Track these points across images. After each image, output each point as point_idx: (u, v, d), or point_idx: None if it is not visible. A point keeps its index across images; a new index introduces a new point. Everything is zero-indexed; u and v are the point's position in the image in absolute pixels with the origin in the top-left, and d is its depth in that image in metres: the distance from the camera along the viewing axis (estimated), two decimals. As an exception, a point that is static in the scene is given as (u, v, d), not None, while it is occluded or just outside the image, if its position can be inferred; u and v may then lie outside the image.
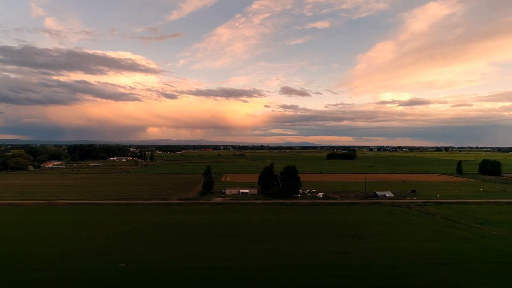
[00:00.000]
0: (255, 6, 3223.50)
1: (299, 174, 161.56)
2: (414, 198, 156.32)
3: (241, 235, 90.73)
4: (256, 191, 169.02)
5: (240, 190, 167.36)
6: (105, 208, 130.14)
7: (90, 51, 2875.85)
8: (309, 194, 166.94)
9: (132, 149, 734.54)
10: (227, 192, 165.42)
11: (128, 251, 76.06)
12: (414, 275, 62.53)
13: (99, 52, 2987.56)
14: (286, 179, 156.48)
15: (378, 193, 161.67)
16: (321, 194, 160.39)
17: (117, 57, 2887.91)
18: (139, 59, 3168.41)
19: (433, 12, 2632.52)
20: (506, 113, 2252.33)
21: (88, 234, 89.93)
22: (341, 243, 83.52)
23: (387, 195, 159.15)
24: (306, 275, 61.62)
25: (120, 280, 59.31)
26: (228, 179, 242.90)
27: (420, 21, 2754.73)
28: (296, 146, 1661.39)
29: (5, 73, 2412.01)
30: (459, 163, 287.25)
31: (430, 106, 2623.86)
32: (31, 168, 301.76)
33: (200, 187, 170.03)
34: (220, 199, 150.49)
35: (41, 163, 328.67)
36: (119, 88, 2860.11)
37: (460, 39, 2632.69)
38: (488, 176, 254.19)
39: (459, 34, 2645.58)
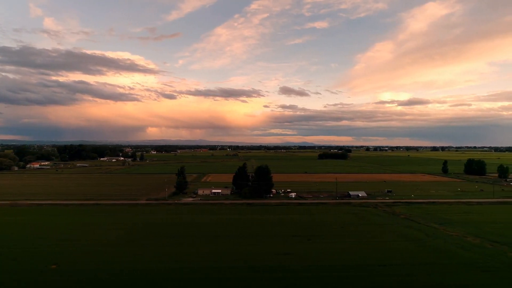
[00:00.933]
0: (254, 6, 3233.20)
1: (272, 174, 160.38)
2: (387, 198, 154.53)
3: (190, 235, 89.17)
4: (230, 191, 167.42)
5: (213, 190, 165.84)
6: (69, 209, 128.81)
7: (89, 52, 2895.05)
8: (283, 194, 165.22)
9: (126, 149, 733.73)
10: (200, 192, 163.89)
11: (67, 252, 74.70)
12: (344, 277, 60.80)
13: (97, 52, 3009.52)
14: (258, 179, 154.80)
15: (351, 193, 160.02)
16: (293, 194, 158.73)
17: (116, 57, 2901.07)
18: (138, 59, 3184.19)
19: (432, 12, 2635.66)
20: (504, 113, 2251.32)
21: (34, 235, 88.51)
22: (288, 244, 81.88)
23: (360, 195, 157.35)
24: (236, 278, 60.29)
25: (41, 283, 57.98)
26: (209, 179, 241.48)
27: (418, 21, 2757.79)
28: (294, 146, 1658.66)
29: (4, 74, 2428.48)
30: (445, 162, 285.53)
31: (429, 106, 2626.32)
32: (15, 168, 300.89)
33: (173, 187, 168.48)
34: (190, 200, 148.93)
35: (27, 164, 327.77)
36: (118, 88, 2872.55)
37: (458, 39, 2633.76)
38: (472, 176, 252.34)
39: (458, 34, 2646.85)
